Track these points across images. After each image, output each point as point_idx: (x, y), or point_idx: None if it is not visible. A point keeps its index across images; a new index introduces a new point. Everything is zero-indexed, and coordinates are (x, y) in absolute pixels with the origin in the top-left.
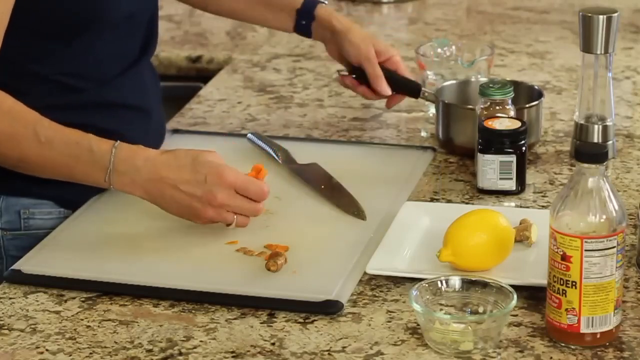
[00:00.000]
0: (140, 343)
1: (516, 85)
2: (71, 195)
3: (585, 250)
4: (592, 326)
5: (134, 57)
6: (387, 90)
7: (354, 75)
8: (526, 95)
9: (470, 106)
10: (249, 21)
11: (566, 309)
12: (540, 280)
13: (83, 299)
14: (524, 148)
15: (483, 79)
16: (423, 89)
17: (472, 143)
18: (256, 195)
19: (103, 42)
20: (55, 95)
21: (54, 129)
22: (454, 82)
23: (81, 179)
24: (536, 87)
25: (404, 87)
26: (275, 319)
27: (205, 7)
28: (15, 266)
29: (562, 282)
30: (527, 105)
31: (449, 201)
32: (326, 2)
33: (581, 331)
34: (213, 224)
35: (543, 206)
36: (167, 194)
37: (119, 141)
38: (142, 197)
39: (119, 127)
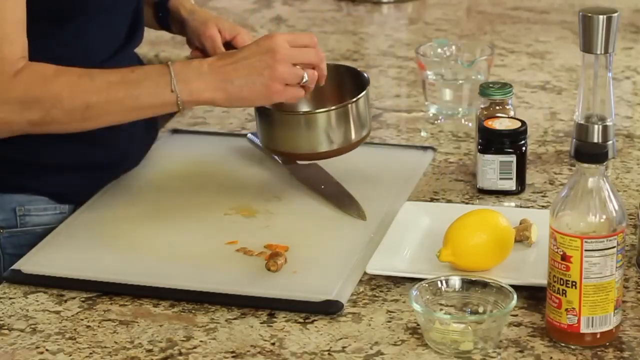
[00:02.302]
0: (140, 343)
1: (338, 69)
2: (65, 189)
3: (585, 250)
4: (592, 326)
5: (121, 43)
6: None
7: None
8: (350, 80)
9: (297, 109)
10: None
11: (566, 309)
12: (540, 280)
13: (83, 299)
14: (524, 148)
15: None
16: None
17: (299, 149)
18: (308, 39)
19: (91, 27)
20: None
21: (105, 72)
22: None
23: (149, 102)
24: (365, 74)
25: None
26: (275, 319)
27: None
28: (15, 266)
29: (562, 282)
30: (352, 100)
31: (449, 201)
32: None
33: (581, 331)
34: (290, 97)
35: (543, 206)
36: (233, 76)
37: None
38: (213, 99)
39: None
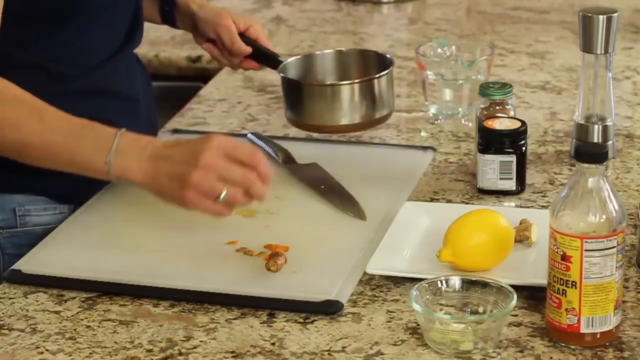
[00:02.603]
0: (140, 343)
1: (364, 54)
2: (65, 189)
3: (585, 250)
4: (592, 326)
5: (120, 43)
6: (244, 48)
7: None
8: (376, 64)
9: (323, 81)
10: None
11: (566, 309)
12: (540, 280)
13: (83, 299)
14: (524, 148)
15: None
16: (280, 59)
17: (322, 120)
18: (247, 157)
19: (91, 27)
20: (43, 83)
21: (59, 115)
22: (298, 57)
23: (81, 163)
24: (388, 56)
25: (262, 57)
26: (275, 319)
27: None
28: (15, 266)
29: (562, 282)
30: (377, 75)
31: (449, 201)
32: None
33: (581, 331)
34: (204, 207)
35: (543, 206)
36: (162, 169)
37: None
38: (141, 183)
39: (109, 115)
